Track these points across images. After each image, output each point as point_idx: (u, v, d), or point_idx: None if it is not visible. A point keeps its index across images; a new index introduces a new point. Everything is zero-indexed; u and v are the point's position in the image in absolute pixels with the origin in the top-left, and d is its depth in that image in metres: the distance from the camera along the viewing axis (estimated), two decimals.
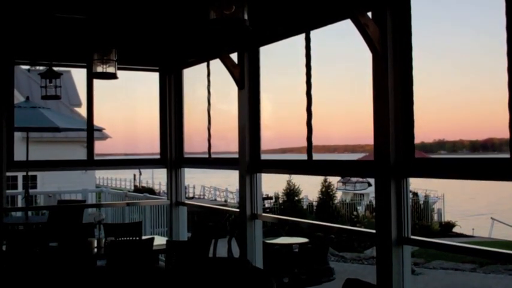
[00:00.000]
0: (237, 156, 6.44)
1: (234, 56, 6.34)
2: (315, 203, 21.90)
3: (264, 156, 6.39)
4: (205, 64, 7.25)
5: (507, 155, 3.62)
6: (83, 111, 20.78)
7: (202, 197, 38.22)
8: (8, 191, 9.60)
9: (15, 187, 19.61)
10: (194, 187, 40.72)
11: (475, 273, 11.50)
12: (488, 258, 9.45)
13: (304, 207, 21.77)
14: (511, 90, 3.57)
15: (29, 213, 11.34)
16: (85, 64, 7.32)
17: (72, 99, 22.91)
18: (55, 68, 7.58)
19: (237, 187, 6.60)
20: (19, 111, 9.08)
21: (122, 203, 12.14)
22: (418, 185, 28.05)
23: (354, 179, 34.45)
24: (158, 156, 8.20)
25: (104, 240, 6.77)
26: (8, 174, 7.09)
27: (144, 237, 7.00)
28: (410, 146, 4.30)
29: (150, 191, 28.48)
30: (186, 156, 8.03)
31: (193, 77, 7.96)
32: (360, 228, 13.13)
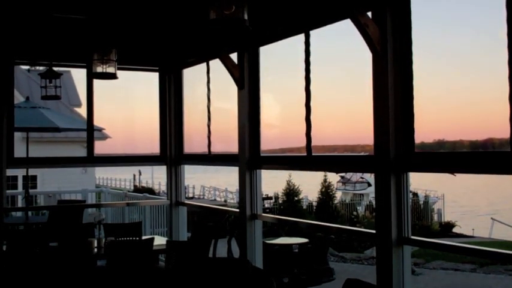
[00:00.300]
0: (236, 153, 6.45)
1: (234, 56, 6.34)
2: (314, 203, 21.91)
3: (263, 156, 6.39)
4: (205, 64, 7.26)
5: (507, 149, 3.62)
6: (82, 111, 20.78)
7: (202, 197, 38.23)
8: (8, 191, 9.59)
9: (15, 187, 19.61)
10: (194, 187, 40.72)
11: (475, 274, 11.50)
12: (488, 258, 9.46)
13: (304, 207, 21.79)
14: (511, 84, 3.56)
15: (29, 213, 11.35)
16: (85, 64, 7.32)
17: (72, 99, 22.90)
18: (55, 68, 7.57)
19: (237, 187, 6.60)
20: (19, 111, 9.09)
21: (121, 203, 12.15)
22: (418, 185, 28.08)
23: (353, 179, 34.47)
24: (158, 153, 8.21)
25: (103, 240, 6.77)
26: (8, 174, 7.09)
27: (144, 237, 7.00)
28: (410, 140, 4.30)
29: (150, 191, 28.48)
30: (185, 154, 8.03)
31: (193, 77, 7.97)
32: (359, 228, 13.13)
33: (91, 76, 7.22)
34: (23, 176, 16.56)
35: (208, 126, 7.22)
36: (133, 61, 7.76)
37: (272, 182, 33.52)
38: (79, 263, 6.18)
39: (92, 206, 12.26)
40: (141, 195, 13.51)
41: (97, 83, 7.45)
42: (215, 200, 35.62)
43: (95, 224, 7.11)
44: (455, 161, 4.10)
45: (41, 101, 9.89)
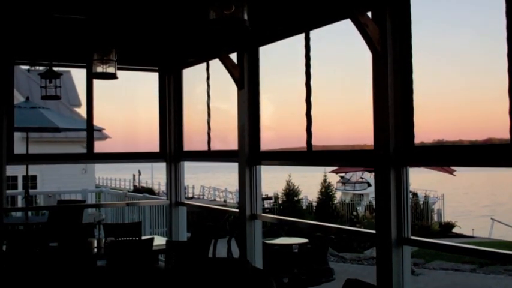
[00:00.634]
0: (236, 149, 6.45)
1: (234, 56, 6.35)
2: (314, 203, 21.91)
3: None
4: (204, 64, 7.26)
5: (507, 142, 3.61)
6: (82, 111, 20.77)
7: (201, 197, 38.23)
8: (8, 191, 9.60)
9: (15, 187, 19.62)
10: (194, 187, 40.73)
11: (475, 274, 11.50)
12: (488, 258, 9.46)
13: (304, 207, 21.79)
14: (510, 75, 3.56)
15: (29, 213, 11.35)
16: (85, 64, 7.32)
17: (72, 99, 22.91)
18: (55, 68, 7.58)
19: (237, 187, 6.60)
20: (19, 111, 9.09)
21: (121, 203, 12.15)
22: (418, 185, 28.09)
23: (353, 180, 34.48)
24: (158, 150, 8.21)
25: (103, 241, 6.77)
26: (8, 174, 7.09)
27: (143, 238, 7.00)
28: (410, 134, 4.30)
29: (150, 191, 28.48)
30: (185, 151, 8.03)
31: (193, 77, 7.97)
32: (359, 228, 13.13)
33: (91, 76, 7.22)
34: (23, 176, 16.57)
35: (208, 122, 7.22)
36: (133, 61, 7.76)
37: (272, 182, 33.56)
38: (79, 263, 6.19)
39: (91, 206, 12.27)
40: (141, 195, 13.52)
41: (97, 83, 7.45)
42: (215, 200, 35.63)
43: (94, 224, 7.11)
44: (456, 155, 4.09)
45: (41, 101, 9.91)
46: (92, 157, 7.81)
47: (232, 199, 33.67)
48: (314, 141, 5.44)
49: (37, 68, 17.95)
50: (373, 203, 8.11)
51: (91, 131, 7.58)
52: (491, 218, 22.88)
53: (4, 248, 6.51)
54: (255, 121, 6.28)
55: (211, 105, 7.21)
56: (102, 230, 7.22)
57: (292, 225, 11.60)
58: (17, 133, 9.37)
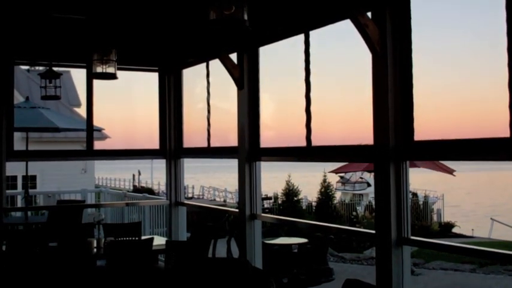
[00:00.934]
0: (236, 145, 6.45)
1: (234, 56, 6.35)
2: (314, 203, 21.91)
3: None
4: (204, 64, 7.26)
5: (507, 135, 3.61)
6: (82, 111, 20.77)
7: (201, 197, 38.23)
8: (7, 191, 9.60)
9: (14, 187, 19.61)
10: (193, 187, 40.73)
11: (475, 274, 11.50)
12: (488, 258, 9.47)
13: (304, 207, 21.78)
14: (510, 69, 3.56)
15: (29, 213, 11.35)
16: (85, 64, 7.32)
17: (72, 99, 22.90)
18: (55, 68, 7.58)
19: (236, 187, 6.60)
20: (19, 111, 9.09)
21: (121, 203, 12.15)
22: (418, 185, 28.08)
23: (353, 180, 34.46)
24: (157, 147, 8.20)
25: (103, 240, 6.77)
26: (8, 174, 7.10)
27: (143, 237, 7.00)
28: (409, 129, 4.30)
29: (150, 191, 28.48)
30: (185, 148, 8.03)
31: (193, 77, 7.98)
32: (359, 228, 13.13)
33: (91, 76, 7.22)
34: (23, 176, 16.56)
35: (208, 119, 7.22)
36: (133, 61, 7.76)
37: (272, 182, 33.57)
38: (78, 263, 6.19)
39: (91, 206, 12.27)
40: (141, 195, 13.52)
41: (97, 83, 7.45)
42: (214, 200, 35.64)
43: (94, 224, 7.11)
44: (455, 149, 4.08)
45: (41, 101, 9.90)
46: (91, 154, 7.82)
47: (232, 199, 33.67)
48: (313, 142, 5.44)
49: (37, 68, 17.95)
50: (373, 203, 8.11)
51: (91, 131, 7.58)
52: (491, 218, 22.87)
53: (4, 248, 6.51)
54: (254, 121, 6.28)
55: (211, 102, 7.22)
56: (101, 230, 7.22)
57: (291, 225, 11.60)
58: (17, 133, 9.38)
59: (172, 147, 8.07)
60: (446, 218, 23.68)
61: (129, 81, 8.93)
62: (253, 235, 6.27)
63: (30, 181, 16.15)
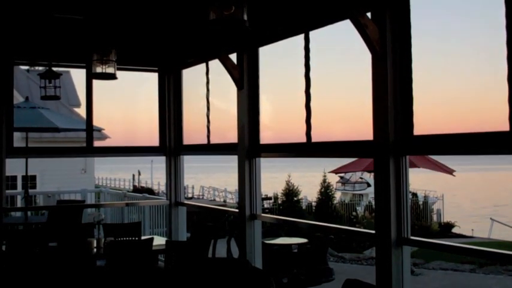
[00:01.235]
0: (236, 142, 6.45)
1: (234, 57, 6.35)
2: (314, 204, 21.90)
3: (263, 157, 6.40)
4: (204, 64, 7.27)
5: (506, 129, 3.60)
6: (82, 111, 20.78)
7: (201, 197, 38.24)
8: (7, 191, 9.60)
9: (14, 187, 19.61)
10: (193, 187, 40.73)
11: (475, 274, 11.51)
12: (488, 258, 9.48)
13: (304, 207, 21.77)
14: (510, 63, 3.56)
15: (29, 213, 11.36)
16: (84, 64, 7.32)
17: (72, 99, 22.90)
18: (54, 69, 7.58)
19: (236, 188, 6.60)
20: (18, 111, 9.09)
21: (121, 203, 12.15)
22: (417, 185, 28.09)
23: (353, 180, 34.47)
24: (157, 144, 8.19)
25: (103, 240, 6.77)
26: (8, 174, 7.09)
27: (143, 238, 7.00)
28: (409, 124, 4.30)
29: (149, 191, 28.48)
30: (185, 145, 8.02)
31: (192, 77, 7.98)
32: (359, 228, 13.13)
33: (90, 76, 7.22)
34: (22, 176, 16.56)
35: (208, 116, 7.22)
36: (132, 61, 7.76)
37: (272, 183, 33.57)
38: (78, 263, 6.19)
39: (91, 206, 12.27)
40: (141, 195, 13.52)
41: (96, 83, 7.45)
42: (214, 200, 35.63)
43: (94, 224, 7.11)
44: (455, 143, 4.08)
45: (41, 101, 9.90)
46: (91, 151, 7.81)
47: (232, 199, 33.68)
48: (313, 139, 5.44)
49: (37, 68, 17.96)
50: (373, 203, 8.11)
51: (90, 131, 7.58)
52: (491, 218, 22.87)
53: (4, 248, 6.51)
54: (254, 121, 6.28)
55: (210, 100, 7.22)
56: (101, 230, 7.22)
57: (291, 225, 11.61)
58: (17, 133, 9.38)
59: (172, 144, 8.07)
60: (446, 218, 23.68)
61: (129, 81, 8.93)
62: (253, 235, 6.27)
63: (30, 181, 16.15)
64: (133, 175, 43.91)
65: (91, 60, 6.08)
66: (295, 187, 20.61)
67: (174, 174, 8.11)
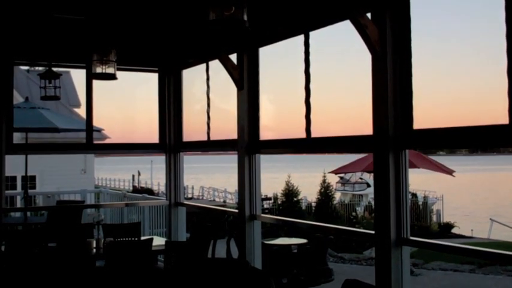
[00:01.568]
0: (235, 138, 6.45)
1: (234, 57, 6.35)
2: (313, 204, 21.90)
3: (263, 157, 6.40)
4: (204, 65, 7.27)
5: (506, 122, 3.61)
6: (82, 112, 20.79)
7: (201, 197, 38.25)
8: (7, 192, 9.60)
9: (14, 187, 19.61)
10: (193, 188, 40.74)
11: (474, 274, 11.51)
12: (487, 259, 9.48)
13: (303, 208, 21.77)
14: (509, 57, 3.57)
15: (28, 213, 11.34)
16: (84, 65, 7.32)
17: (72, 99, 22.91)
18: (54, 69, 7.58)
19: (236, 188, 6.61)
20: (18, 111, 9.08)
21: (120, 204, 12.15)
22: (417, 185, 28.09)
23: (352, 180, 34.46)
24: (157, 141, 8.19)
25: (102, 241, 6.77)
26: (7, 174, 7.09)
27: (143, 238, 7.00)
28: (408, 118, 4.30)
29: (149, 191, 28.48)
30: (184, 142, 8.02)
31: (192, 77, 7.98)
32: (358, 229, 13.12)
33: (90, 77, 7.22)
34: (22, 177, 16.56)
35: (208, 112, 7.22)
36: (132, 62, 7.76)
37: (273, 183, 33.55)
38: (78, 264, 6.19)
39: (91, 206, 12.27)
40: (140, 195, 13.52)
41: (96, 83, 7.45)
42: (214, 200, 35.65)
43: (94, 225, 7.11)
44: (455, 136, 4.08)
45: (40, 102, 9.90)
46: (91, 148, 7.81)
47: (232, 199, 33.68)
48: (313, 135, 5.44)
49: (36, 68, 17.96)
50: (373, 203, 8.11)
51: (90, 131, 7.58)
52: (490, 219, 22.87)
53: (3, 248, 6.51)
54: (254, 121, 6.28)
55: (210, 98, 7.22)
56: (101, 231, 7.22)
57: (291, 226, 11.60)
58: (17, 133, 9.38)
59: (171, 141, 8.06)
60: (446, 218, 23.69)
61: (128, 81, 8.94)
62: (252, 235, 6.27)
63: (29, 181, 16.15)
64: (133, 175, 43.92)
65: (91, 60, 6.08)
66: (295, 187, 20.62)
67: (173, 171, 8.10)
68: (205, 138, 7.28)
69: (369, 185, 31.45)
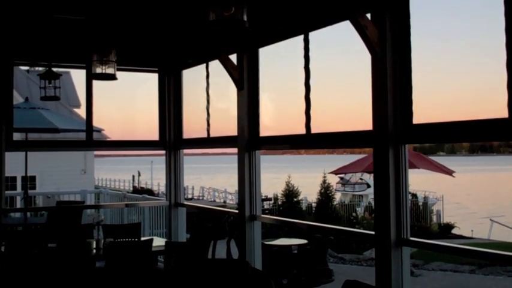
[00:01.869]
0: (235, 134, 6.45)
1: (234, 57, 6.35)
2: (314, 204, 21.91)
3: (262, 157, 6.39)
4: (204, 65, 7.27)
5: (505, 116, 3.60)
6: (82, 112, 20.79)
7: (201, 198, 38.25)
8: (7, 192, 9.59)
9: (14, 188, 19.61)
10: (193, 188, 40.74)
11: (474, 275, 11.50)
12: (487, 259, 9.47)
13: (303, 208, 21.78)
14: (508, 50, 3.56)
15: (28, 214, 11.34)
16: (84, 65, 7.32)
17: (72, 100, 22.92)
18: (54, 69, 7.57)
19: (236, 188, 6.61)
20: (18, 112, 9.08)
21: (120, 204, 12.15)
22: (417, 186, 28.09)
23: (353, 180, 34.47)
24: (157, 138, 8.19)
25: (102, 241, 6.77)
26: (7, 175, 7.08)
27: (143, 238, 7.00)
28: (408, 112, 4.30)
29: (149, 192, 28.50)
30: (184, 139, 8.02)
31: (192, 77, 7.98)
32: (359, 229, 13.11)
33: (90, 77, 7.22)
34: (22, 177, 16.56)
35: (208, 109, 7.21)
36: (132, 62, 7.76)
37: (274, 184, 33.56)
38: (78, 264, 6.18)
39: (91, 207, 12.27)
40: (140, 196, 13.53)
41: (96, 84, 7.45)
42: (214, 201, 35.66)
43: (94, 225, 7.11)
44: (455, 130, 4.07)
45: (40, 102, 9.89)
46: (91, 144, 7.80)
47: (232, 200, 33.68)
48: (313, 130, 5.44)
49: (36, 68, 17.97)
50: (373, 204, 8.11)
51: (90, 131, 7.58)
52: (490, 219, 22.87)
53: (3, 248, 6.51)
54: (254, 118, 6.28)
55: (210, 97, 7.23)
56: (101, 231, 7.22)
57: (291, 226, 11.59)
58: (16, 134, 9.37)
59: (171, 138, 8.06)
60: (446, 219, 23.69)
61: (128, 81, 8.94)
62: (252, 236, 6.27)
63: (29, 182, 16.15)
64: (133, 176, 43.92)
65: (91, 60, 6.08)
66: (295, 188, 20.63)
67: (173, 169, 8.08)
68: (205, 135, 7.27)
69: (369, 186, 31.45)
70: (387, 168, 4.33)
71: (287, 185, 20.70)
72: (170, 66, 7.99)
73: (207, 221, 10.27)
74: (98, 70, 6.04)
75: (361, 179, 33.98)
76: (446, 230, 20.61)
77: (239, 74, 6.28)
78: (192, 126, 7.99)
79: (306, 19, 5.38)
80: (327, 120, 5.85)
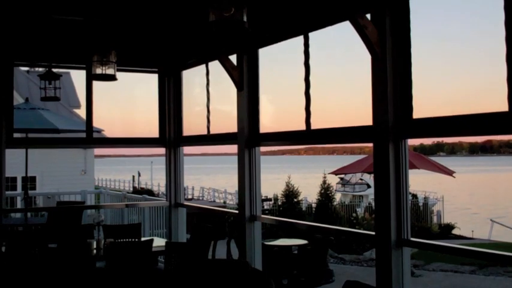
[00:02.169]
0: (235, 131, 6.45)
1: (233, 58, 6.35)
2: (314, 205, 21.90)
3: (263, 158, 6.39)
4: (204, 66, 7.27)
5: (506, 109, 3.60)
6: (82, 112, 20.78)
7: (201, 198, 38.25)
8: (7, 192, 9.60)
9: (14, 188, 19.62)
10: (193, 188, 40.74)
11: (475, 275, 11.49)
12: (488, 260, 9.45)
13: (304, 208, 21.77)
14: (508, 44, 3.56)
15: (28, 214, 11.34)
16: (84, 66, 7.32)
17: (72, 100, 22.92)
18: (54, 70, 7.57)
19: (236, 189, 6.61)
20: (18, 112, 9.09)
21: (121, 205, 12.15)
22: (418, 186, 28.09)
23: (353, 181, 34.46)
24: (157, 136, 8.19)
25: (103, 242, 6.76)
26: (7, 175, 7.08)
27: (143, 239, 7.00)
28: (408, 107, 4.30)
29: (149, 192, 28.50)
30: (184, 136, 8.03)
31: (192, 78, 7.99)
32: (359, 230, 13.11)
33: (90, 78, 7.22)
34: (22, 177, 16.57)
35: (208, 106, 7.21)
36: (132, 63, 7.76)
37: (275, 184, 33.56)
38: (78, 265, 6.18)
39: (91, 207, 12.29)
40: (141, 196, 13.53)
41: (96, 84, 7.45)
42: (214, 201, 35.64)
43: (94, 225, 7.10)
44: (454, 124, 4.07)
45: (40, 103, 9.90)
46: (91, 142, 7.80)
47: (232, 200, 33.67)
48: (313, 126, 5.44)
49: (37, 69, 17.98)
50: (373, 204, 8.12)
51: (90, 132, 7.58)
52: (491, 220, 22.85)
53: (3, 249, 6.50)
54: (254, 115, 6.28)
55: (210, 98, 7.22)
56: (101, 231, 7.22)
57: (291, 227, 11.60)
58: (16, 134, 9.37)
59: (171, 135, 8.05)
60: (446, 219, 23.68)
61: (128, 81, 8.94)
62: (253, 236, 6.27)
63: (29, 182, 16.16)
64: (133, 176, 43.91)
65: (91, 61, 6.09)
66: (295, 188, 20.62)
67: (173, 167, 8.07)
68: (205, 132, 7.27)
69: (369, 186, 31.45)
70: (387, 163, 4.33)
71: (287, 186, 20.69)
72: (170, 67, 7.99)
73: (207, 222, 10.28)
74: (98, 71, 6.04)
75: (361, 179, 33.98)
76: (446, 231, 20.60)
77: (239, 74, 6.28)
78: (193, 126, 7.99)
79: (305, 19, 5.38)
80: (327, 116, 5.84)
